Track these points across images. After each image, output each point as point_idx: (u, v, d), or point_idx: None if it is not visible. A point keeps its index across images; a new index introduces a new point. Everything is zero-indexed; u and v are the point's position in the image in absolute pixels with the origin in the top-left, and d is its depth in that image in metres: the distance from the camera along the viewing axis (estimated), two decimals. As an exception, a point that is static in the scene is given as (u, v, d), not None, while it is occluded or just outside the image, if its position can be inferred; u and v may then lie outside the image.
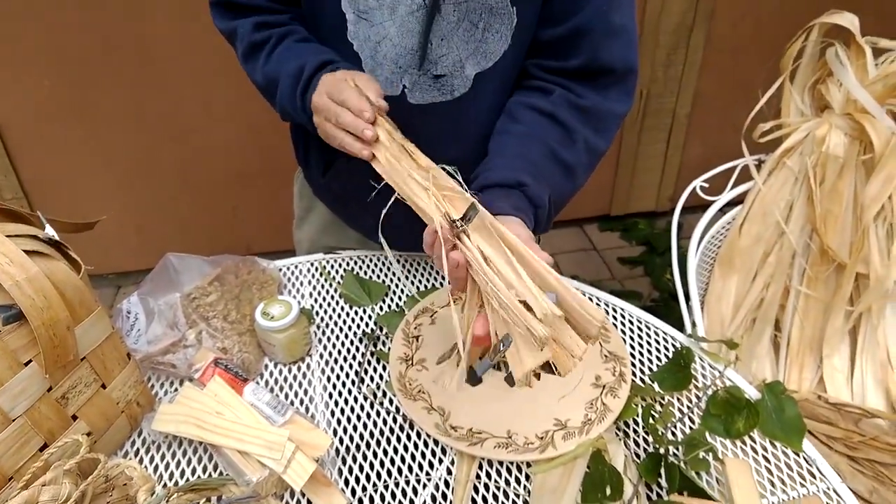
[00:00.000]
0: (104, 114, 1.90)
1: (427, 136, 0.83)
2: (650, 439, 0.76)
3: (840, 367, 1.13)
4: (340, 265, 1.03)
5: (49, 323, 0.59)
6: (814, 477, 0.72)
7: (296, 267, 1.03)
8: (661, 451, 0.73)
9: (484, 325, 0.61)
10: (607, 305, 0.95)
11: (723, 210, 1.26)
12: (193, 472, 0.72)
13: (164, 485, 0.71)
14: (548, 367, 0.57)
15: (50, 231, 0.68)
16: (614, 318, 0.93)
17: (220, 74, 1.77)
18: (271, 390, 0.82)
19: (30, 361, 0.61)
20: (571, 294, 0.56)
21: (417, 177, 0.65)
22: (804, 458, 0.74)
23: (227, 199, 2.14)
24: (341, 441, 0.76)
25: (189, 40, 1.79)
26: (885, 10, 2.11)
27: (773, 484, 0.72)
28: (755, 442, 0.76)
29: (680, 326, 1.04)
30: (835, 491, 0.71)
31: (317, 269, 1.02)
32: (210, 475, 0.72)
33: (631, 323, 0.93)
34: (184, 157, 2.03)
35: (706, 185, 1.24)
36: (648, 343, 0.89)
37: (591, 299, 0.95)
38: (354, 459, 0.74)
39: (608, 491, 0.68)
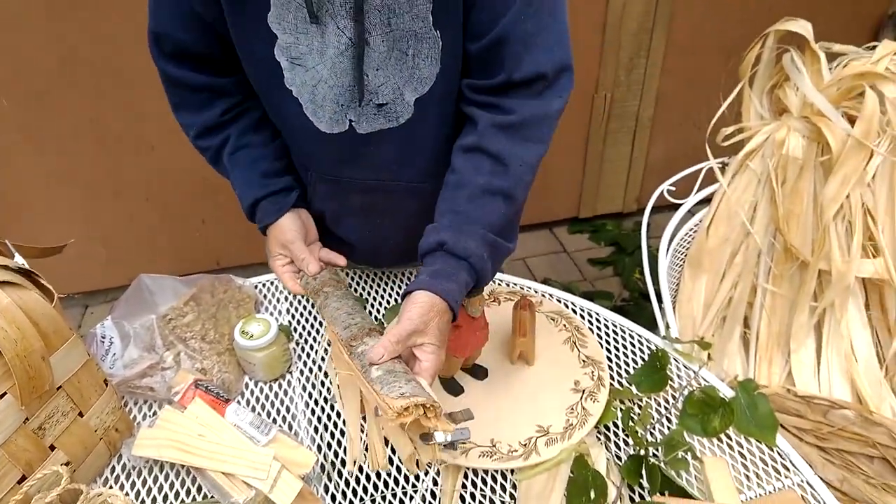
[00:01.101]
0: (65, 130, 1.86)
1: (381, 162, 0.83)
2: (630, 441, 0.77)
3: (807, 361, 1.16)
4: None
5: (23, 354, 0.58)
6: (787, 470, 0.75)
7: (272, 283, 1.02)
8: (642, 452, 0.75)
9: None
10: (582, 311, 0.97)
11: (690, 211, 1.30)
12: (177, 496, 0.71)
13: (147, 511, 0.70)
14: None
15: (19, 259, 0.66)
16: (590, 322, 0.95)
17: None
18: (253, 409, 0.82)
19: (4, 394, 0.59)
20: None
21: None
22: (778, 452, 0.77)
23: (195, 212, 2.11)
24: (325, 457, 0.76)
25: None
26: (837, 16, 2.19)
27: (749, 479, 0.74)
28: (731, 439, 0.78)
29: (651, 325, 1.06)
30: (808, 483, 0.73)
31: (293, 284, 1.02)
32: (194, 498, 0.71)
33: (606, 327, 0.95)
34: (148, 171, 1.99)
35: (673, 188, 1.27)
36: (624, 346, 0.91)
37: (566, 305, 0.97)
38: (340, 475, 0.74)
39: (592, 494, 0.69)
